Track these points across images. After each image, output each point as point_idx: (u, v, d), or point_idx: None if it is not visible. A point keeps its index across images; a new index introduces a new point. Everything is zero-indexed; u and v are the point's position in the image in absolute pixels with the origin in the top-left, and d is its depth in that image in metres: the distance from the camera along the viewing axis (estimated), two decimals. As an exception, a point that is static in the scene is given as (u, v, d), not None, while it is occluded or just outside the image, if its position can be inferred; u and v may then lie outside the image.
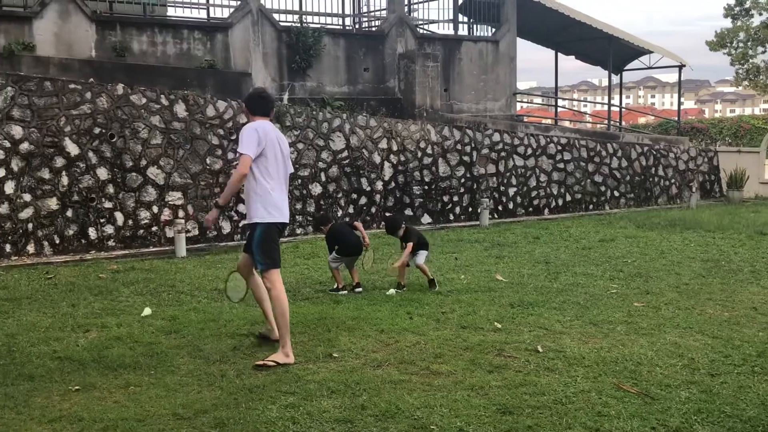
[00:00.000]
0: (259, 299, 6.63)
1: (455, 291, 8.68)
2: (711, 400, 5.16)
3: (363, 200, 14.41)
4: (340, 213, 14.08)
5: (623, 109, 27.62)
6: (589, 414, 4.92)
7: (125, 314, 7.66)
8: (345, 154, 14.29)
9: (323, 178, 13.99)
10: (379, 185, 14.64)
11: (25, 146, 11.24)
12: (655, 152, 19.45)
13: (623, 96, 26.56)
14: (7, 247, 11.01)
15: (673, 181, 19.82)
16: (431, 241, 12.51)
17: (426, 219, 15.24)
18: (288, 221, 6.41)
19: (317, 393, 5.29)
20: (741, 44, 40.50)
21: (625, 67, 25.39)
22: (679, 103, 26.08)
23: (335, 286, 8.78)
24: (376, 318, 7.37)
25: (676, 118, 26.97)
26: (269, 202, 6.15)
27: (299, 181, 13.59)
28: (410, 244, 8.81)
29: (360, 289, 8.74)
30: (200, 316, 7.55)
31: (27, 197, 11.20)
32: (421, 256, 8.91)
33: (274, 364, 5.90)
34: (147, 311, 7.68)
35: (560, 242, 12.57)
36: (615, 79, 24.97)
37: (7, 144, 11.12)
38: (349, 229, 9.06)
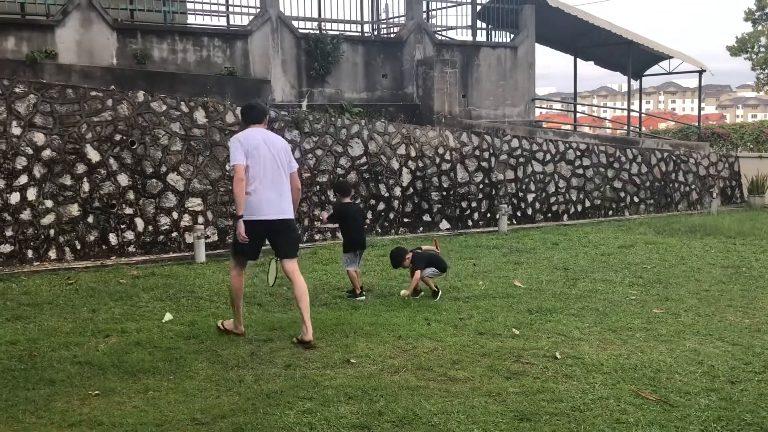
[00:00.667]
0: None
1: (473, 297, 8.66)
2: (731, 407, 5.12)
3: (381, 206, 14.43)
4: (358, 219, 14.09)
5: (643, 115, 27.46)
6: (608, 421, 4.89)
7: (145, 319, 7.72)
8: (363, 160, 14.32)
9: (341, 184, 14.02)
10: (398, 191, 14.65)
11: (47, 153, 11.37)
12: (675, 158, 19.32)
13: (643, 101, 26.42)
14: (29, 253, 11.14)
15: (693, 186, 19.68)
16: (449, 247, 12.53)
17: (444, 225, 15.23)
18: (274, 218, 6.78)
19: (334, 399, 5.30)
20: (762, 49, 40.14)
21: (645, 73, 25.25)
22: (700, 109, 25.87)
23: (353, 290, 8.76)
24: (393, 324, 7.37)
25: (697, 124, 26.77)
26: (248, 203, 6.67)
27: (318, 187, 13.64)
28: (418, 273, 8.61)
29: (362, 298, 8.62)
30: (219, 321, 7.58)
31: (49, 203, 11.32)
32: (428, 271, 8.78)
33: (223, 327, 7.04)
34: (168, 317, 7.74)
35: (579, 248, 12.51)
36: (635, 84, 24.87)
37: (30, 151, 11.25)
38: (359, 218, 8.98)
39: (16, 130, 11.19)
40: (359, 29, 18.80)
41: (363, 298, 8.63)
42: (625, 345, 6.67)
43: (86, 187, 11.59)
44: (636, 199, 18.44)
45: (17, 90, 11.27)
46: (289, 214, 6.89)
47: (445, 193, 15.32)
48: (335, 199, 9.18)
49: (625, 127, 24.18)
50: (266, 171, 6.71)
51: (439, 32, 19.48)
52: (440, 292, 8.67)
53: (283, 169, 6.84)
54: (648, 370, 5.92)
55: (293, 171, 7.02)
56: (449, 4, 19.69)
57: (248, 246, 6.77)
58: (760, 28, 39.91)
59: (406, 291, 8.73)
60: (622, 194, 18.18)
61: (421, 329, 7.19)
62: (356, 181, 14.15)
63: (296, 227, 7.27)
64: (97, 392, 5.49)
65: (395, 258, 8.93)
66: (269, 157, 6.73)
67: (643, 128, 26.83)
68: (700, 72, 23.62)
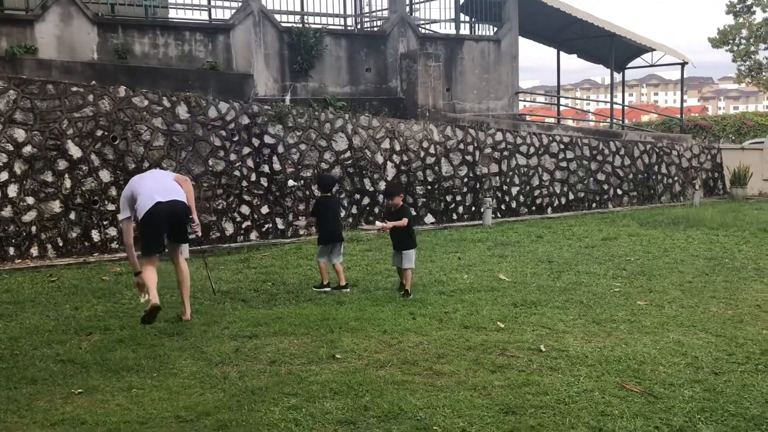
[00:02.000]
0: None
1: (458, 291, 8.67)
2: (715, 398, 5.15)
3: (366, 200, 14.40)
4: (343, 213, 14.07)
5: (626, 107, 27.58)
6: (593, 413, 4.91)
7: (128, 317, 7.67)
8: (348, 154, 14.28)
9: (326, 179, 13.98)
10: (382, 185, 14.62)
11: (27, 149, 11.25)
12: (658, 150, 19.41)
13: (626, 94, 26.53)
14: (11, 250, 11.03)
15: (676, 178, 19.78)
16: (434, 241, 12.53)
17: (429, 219, 15.23)
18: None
19: (320, 394, 5.28)
20: (743, 41, 40.39)
21: (628, 65, 25.34)
22: (682, 101, 26.02)
23: (321, 283, 8.85)
24: (379, 319, 7.36)
25: (679, 116, 26.93)
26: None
27: (302, 182, 13.59)
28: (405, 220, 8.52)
29: (348, 290, 8.70)
30: (202, 318, 7.55)
31: (30, 200, 11.21)
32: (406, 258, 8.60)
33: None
34: (144, 298, 7.53)
35: (563, 241, 12.55)
36: (617, 77, 24.92)
37: (10, 147, 11.13)
38: (337, 212, 9.27)
39: (-4, 127, 11.06)
40: (342, 23, 18.73)
41: (328, 290, 8.70)
42: (610, 337, 6.69)
43: (68, 183, 11.48)
44: (619, 192, 18.52)
45: (-4, 86, 11.14)
46: None
47: (429, 186, 15.32)
48: (320, 191, 9.35)
49: (608, 120, 24.28)
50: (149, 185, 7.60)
51: (423, 26, 19.44)
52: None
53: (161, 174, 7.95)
54: (632, 362, 5.95)
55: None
56: (432, -2, 19.64)
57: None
58: (741, 20, 40.15)
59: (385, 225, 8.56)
60: (606, 186, 18.25)
61: (407, 323, 7.18)
62: (341, 176, 14.11)
63: None
64: (80, 390, 5.45)
65: (394, 188, 9.37)
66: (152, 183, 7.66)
67: (626, 121, 26.96)
68: (683, 64, 23.72)
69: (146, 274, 7.20)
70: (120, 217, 7.79)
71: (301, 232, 13.54)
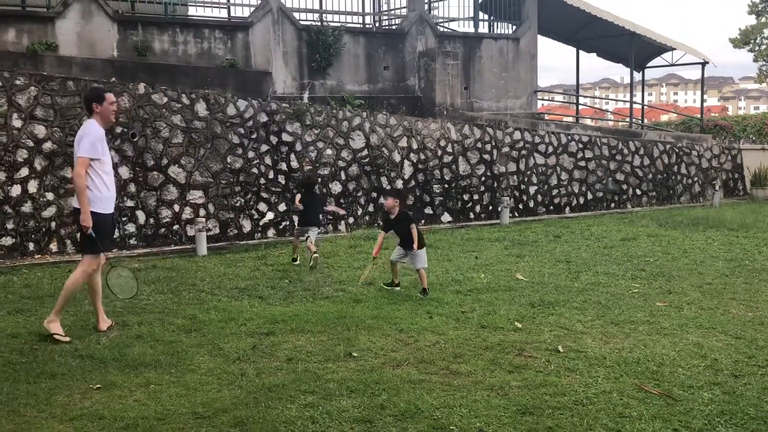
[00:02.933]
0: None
1: (475, 290, 8.64)
2: (734, 401, 5.10)
3: (383, 199, 14.38)
4: (360, 212, 14.08)
5: (645, 107, 27.37)
6: (611, 415, 4.87)
7: (146, 312, 7.71)
8: (365, 152, 14.28)
9: (343, 177, 14.00)
10: (399, 184, 14.61)
11: (48, 145, 11.34)
12: (677, 150, 19.27)
13: (645, 93, 26.33)
14: (31, 246, 11.12)
15: (696, 179, 19.63)
16: (451, 240, 12.50)
17: (446, 218, 15.20)
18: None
19: (336, 392, 5.28)
20: (765, 41, 39.99)
21: (648, 65, 25.15)
22: (702, 101, 25.80)
23: (295, 257, 10.49)
24: (395, 317, 7.35)
25: (699, 116, 26.69)
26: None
27: (319, 179, 13.60)
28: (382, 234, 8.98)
29: (296, 262, 10.33)
30: (220, 314, 7.57)
31: (50, 196, 11.30)
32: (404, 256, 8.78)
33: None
34: (136, 264, 7.63)
35: (581, 241, 12.48)
36: (637, 76, 24.76)
37: (31, 143, 11.22)
38: (318, 204, 10.90)
39: (17, 123, 11.16)
40: (361, 21, 18.72)
41: (297, 262, 10.35)
42: (628, 338, 6.65)
43: (87, 179, 11.54)
44: (638, 192, 18.40)
45: (18, 82, 11.24)
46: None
47: (446, 185, 15.28)
48: (301, 190, 11.04)
49: (628, 119, 24.12)
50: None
51: (441, 24, 19.40)
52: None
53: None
54: (651, 363, 5.90)
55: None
56: (451, -4, 19.60)
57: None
58: (763, 20, 39.74)
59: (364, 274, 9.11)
60: (625, 186, 18.14)
61: (423, 322, 7.17)
62: (358, 174, 14.11)
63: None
64: (98, 386, 5.48)
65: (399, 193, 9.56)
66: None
67: (646, 120, 26.76)
68: (703, 64, 23.52)
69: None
70: None
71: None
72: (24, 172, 11.14)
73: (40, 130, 11.30)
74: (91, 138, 6.69)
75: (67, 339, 6.64)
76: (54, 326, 6.73)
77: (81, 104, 11.57)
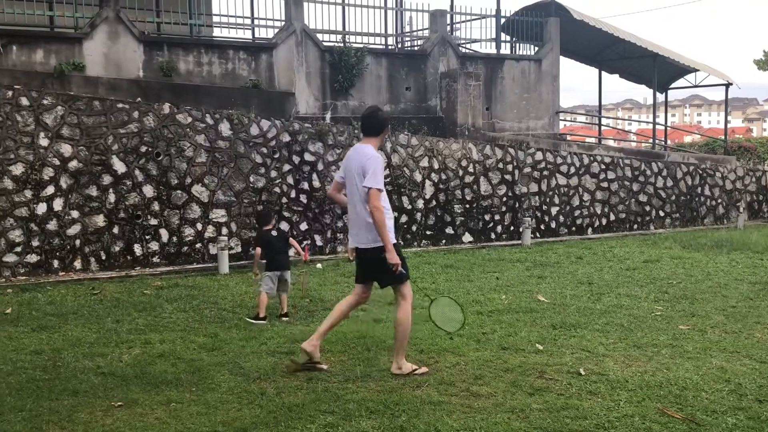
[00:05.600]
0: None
1: (496, 311, 8.61)
2: (759, 427, 5.03)
3: (404, 218, 14.41)
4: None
5: (668, 128, 27.25)
6: (633, 439, 4.82)
7: (168, 330, 7.76)
8: (386, 172, 14.32)
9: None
10: (420, 203, 14.63)
11: (73, 164, 11.49)
12: (701, 171, 19.13)
13: (668, 114, 26.22)
14: (55, 263, 11.24)
15: (719, 200, 19.46)
16: (472, 260, 12.47)
17: (467, 238, 15.18)
18: (358, 245, 6.28)
19: (356, 413, 5.28)
20: (790, 62, 39.69)
21: (671, 86, 25.07)
22: (726, 122, 25.65)
23: (257, 315, 8.23)
24: (415, 338, 7.33)
25: (723, 137, 26.52)
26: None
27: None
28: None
29: (287, 319, 8.26)
30: (241, 333, 7.60)
31: (75, 214, 11.43)
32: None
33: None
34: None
35: (603, 262, 12.40)
36: (660, 97, 24.67)
37: (57, 162, 11.38)
38: (279, 244, 8.63)
39: (44, 141, 11.32)
40: (383, 42, 18.86)
41: (264, 323, 8.07)
42: (651, 362, 6.58)
43: (112, 198, 11.69)
44: (661, 213, 18.27)
45: (45, 102, 11.42)
46: (365, 242, 6.19)
47: (468, 205, 15.27)
48: (257, 226, 9.45)
49: (650, 141, 24.00)
50: (352, 191, 6.24)
51: (463, 45, 19.47)
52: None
53: (356, 188, 6.17)
54: (674, 387, 5.84)
55: (363, 187, 6.08)
56: (473, 17, 19.68)
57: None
58: (788, 40, 39.47)
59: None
60: (648, 208, 18.02)
61: (444, 343, 7.15)
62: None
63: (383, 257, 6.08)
64: (120, 403, 5.51)
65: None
66: (352, 177, 6.21)
67: (669, 141, 26.61)
68: (727, 85, 23.40)
69: None
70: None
71: (339, 249, 13.58)
72: (50, 190, 11.29)
73: (66, 149, 11.46)
74: (380, 167, 6.08)
75: (424, 369, 6.24)
76: (406, 366, 6.19)
77: (106, 124, 11.73)
